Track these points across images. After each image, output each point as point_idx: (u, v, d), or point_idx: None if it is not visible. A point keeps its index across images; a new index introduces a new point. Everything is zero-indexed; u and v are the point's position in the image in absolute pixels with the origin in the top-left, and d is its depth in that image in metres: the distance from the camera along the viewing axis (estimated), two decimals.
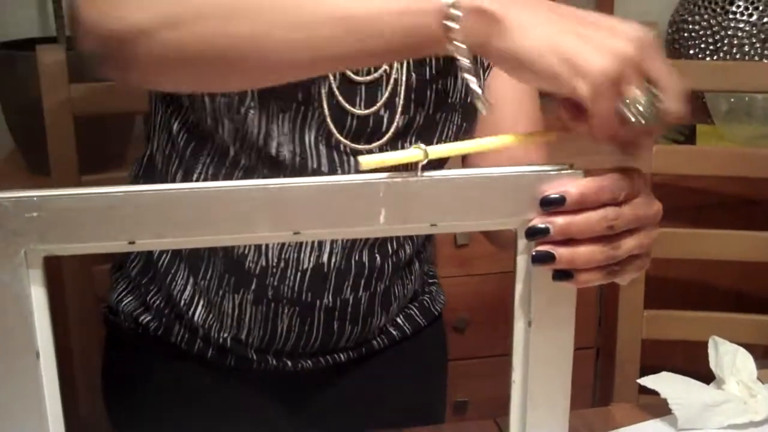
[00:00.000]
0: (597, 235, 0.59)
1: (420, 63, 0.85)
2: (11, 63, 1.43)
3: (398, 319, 0.99)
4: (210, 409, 0.94)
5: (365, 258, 0.89)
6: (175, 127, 0.88)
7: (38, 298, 0.57)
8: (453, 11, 0.56)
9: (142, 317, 0.94)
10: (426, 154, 0.57)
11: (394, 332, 0.99)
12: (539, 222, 0.59)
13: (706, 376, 0.89)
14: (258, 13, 0.59)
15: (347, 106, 0.82)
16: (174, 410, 0.95)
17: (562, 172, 0.59)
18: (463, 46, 0.57)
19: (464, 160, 0.92)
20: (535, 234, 0.59)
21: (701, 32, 1.78)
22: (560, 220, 0.58)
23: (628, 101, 0.56)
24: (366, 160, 0.56)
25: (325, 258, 0.87)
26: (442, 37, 0.57)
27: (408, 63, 0.84)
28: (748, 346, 0.90)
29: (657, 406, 0.86)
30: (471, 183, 0.58)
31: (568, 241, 0.59)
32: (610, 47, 0.55)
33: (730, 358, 0.88)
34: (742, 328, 1.26)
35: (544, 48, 0.56)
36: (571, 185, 0.58)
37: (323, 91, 0.81)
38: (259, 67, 0.62)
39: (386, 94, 0.83)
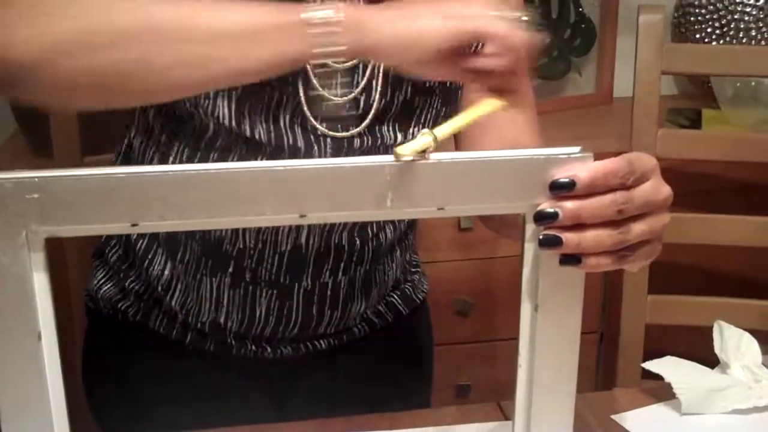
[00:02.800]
0: (606, 220, 0.58)
1: None
2: None
3: (380, 307, 0.99)
4: (190, 393, 0.94)
5: (344, 241, 0.89)
6: (151, 113, 0.88)
7: (40, 279, 0.56)
8: (318, 22, 0.62)
9: (120, 303, 0.94)
10: (435, 138, 0.57)
11: (375, 320, 0.99)
12: (548, 206, 0.58)
13: (709, 361, 0.89)
14: (154, 39, 0.63)
15: (323, 92, 0.81)
16: (154, 396, 0.94)
17: (572, 155, 0.58)
18: (330, 50, 0.62)
19: (458, 146, 0.91)
20: (544, 218, 0.58)
21: (708, 16, 1.77)
22: (569, 205, 0.58)
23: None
24: (401, 151, 0.57)
25: (303, 240, 0.86)
26: (307, 49, 0.63)
27: None
28: (752, 332, 0.90)
29: (660, 391, 0.85)
30: (479, 166, 0.58)
31: (576, 225, 0.58)
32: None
33: (735, 342, 0.88)
34: (747, 313, 1.25)
35: (420, 23, 0.63)
36: (581, 169, 0.57)
37: (299, 77, 0.80)
38: (153, 86, 0.65)
39: (364, 81, 0.82)
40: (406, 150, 0.56)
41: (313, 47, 0.62)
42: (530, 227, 0.60)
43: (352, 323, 0.96)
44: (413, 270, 1.05)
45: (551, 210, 0.58)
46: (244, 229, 0.86)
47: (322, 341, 0.95)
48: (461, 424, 0.81)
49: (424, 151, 0.57)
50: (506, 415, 0.83)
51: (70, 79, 0.64)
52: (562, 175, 0.57)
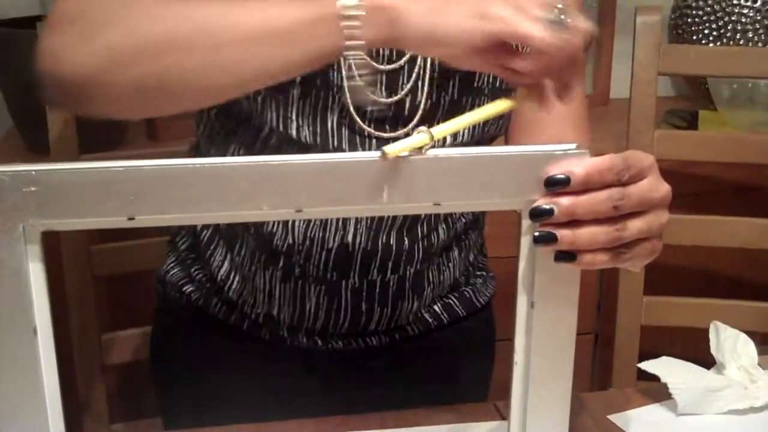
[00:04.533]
0: (602, 217, 0.58)
1: None
2: (11, 41, 1.42)
3: (436, 307, 0.98)
4: (247, 376, 0.96)
5: (392, 240, 0.88)
6: (213, 111, 0.90)
7: (36, 273, 0.56)
8: (352, 12, 0.62)
9: (185, 287, 0.97)
10: (431, 137, 0.57)
11: (430, 320, 0.97)
12: (544, 203, 0.58)
13: (705, 363, 0.89)
14: (188, 46, 0.65)
15: (369, 93, 0.81)
16: (212, 375, 0.97)
17: (568, 152, 0.58)
18: (360, 42, 0.62)
19: (507, 141, 0.91)
20: (539, 215, 0.58)
21: (705, 18, 1.77)
22: (565, 201, 0.58)
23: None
24: (389, 150, 0.57)
25: (350, 238, 0.87)
26: (338, 42, 0.62)
27: None
28: (748, 333, 0.90)
29: (656, 391, 0.86)
30: (475, 162, 0.58)
31: (572, 221, 0.59)
32: None
33: (731, 343, 0.88)
34: (743, 315, 1.26)
35: (454, 20, 0.61)
36: (577, 165, 0.57)
37: (344, 77, 0.80)
38: (200, 92, 0.68)
39: (410, 83, 0.82)
40: (395, 148, 0.56)
41: (344, 40, 0.62)
42: (526, 223, 0.60)
43: (404, 321, 0.95)
44: (477, 273, 1.03)
45: (547, 206, 0.58)
46: (292, 226, 0.87)
47: (373, 338, 0.95)
48: (457, 424, 0.81)
49: (421, 148, 0.57)
50: (502, 415, 0.83)
51: (122, 89, 0.67)
52: (557, 171, 0.58)
